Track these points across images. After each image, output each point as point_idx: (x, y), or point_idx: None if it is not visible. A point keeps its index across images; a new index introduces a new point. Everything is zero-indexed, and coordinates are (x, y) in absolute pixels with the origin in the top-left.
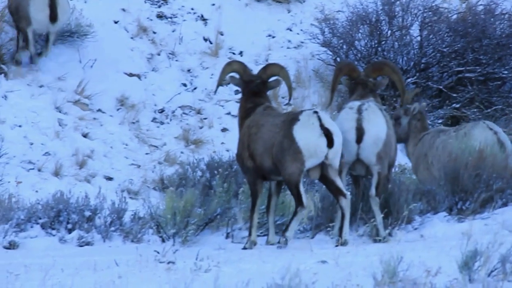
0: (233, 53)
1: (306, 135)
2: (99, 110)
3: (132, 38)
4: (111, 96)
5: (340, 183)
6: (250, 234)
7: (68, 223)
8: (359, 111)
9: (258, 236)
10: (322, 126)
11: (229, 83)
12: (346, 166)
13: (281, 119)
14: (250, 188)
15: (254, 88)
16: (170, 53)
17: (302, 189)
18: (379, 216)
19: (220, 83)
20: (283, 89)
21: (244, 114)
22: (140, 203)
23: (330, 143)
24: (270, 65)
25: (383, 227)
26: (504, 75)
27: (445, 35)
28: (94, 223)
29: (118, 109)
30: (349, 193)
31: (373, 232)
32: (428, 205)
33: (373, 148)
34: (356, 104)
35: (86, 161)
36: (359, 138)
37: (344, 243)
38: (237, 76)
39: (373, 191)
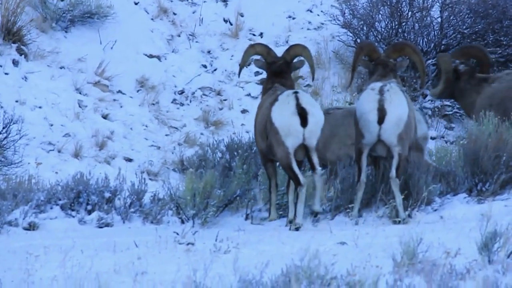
0: (253, 35)
1: (280, 114)
2: (119, 91)
3: (152, 19)
4: (131, 78)
5: (316, 159)
6: (269, 214)
7: (87, 204)
8: (381, 92)
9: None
10: (298, 105)
11: (249, 65)
12: (367, 147)
13: (269, 100)
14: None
15: (277, 69)
16: (190, 35)
17: (296, 169)
18: (399, 198)
19: (243, 66)
20: (302, 69)
21: (263, 95)
22: (160, 185)
23: (304, 122)
24: (293, 46)
25: (403, 209)
26: None
27: (466, 16)
28: (113, 205)
29: (138, 91)
30: (320, 168)
31: (393, 214)
32: (447, 186)
33: (395, 129)
34: (377, 85)
35: (106, 143)
36: (381, 119)
37: (315, 215)
38: (261, 58)
39: (393, 172)
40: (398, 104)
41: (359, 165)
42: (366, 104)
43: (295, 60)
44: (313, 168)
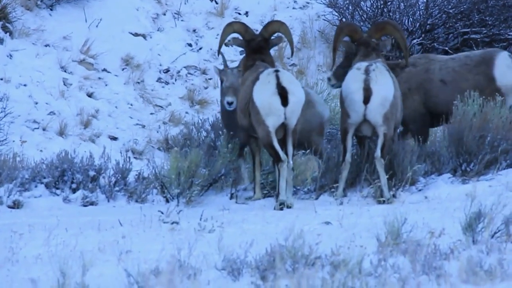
0: (239, 13)
1: (261, 94)
2: (104, 69)
3: None
4: (116, 56)
5: (290, 148)
6: (254, 192)
7: (72, 182)
8: (367, 71)
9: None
10: (279, 85)
11: (232, 45)
12: (352, 126)
13: (251, 78)
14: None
15: (255, 46)
16: (175, 13)
17: (277, 146)
18: (383, 178)
19: (221, 45)
20: (287, 50)
21: (244, 72)
22: (145, 163)
23: (285, 102)
24: (271, 22)
25: (387, 189)
26: (510, 37)
27: None
28: (98, 183)
29: (123, 69)
30: (289, 160)
31: (377, 194)
32: (432, 166)
33: (380, 109)
34: (363, 64)
35: (91, 121)
36: (367, 99)
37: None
38: (239, 37)
39: (378, 152)
40: (383, 84)
41: (344, 144)
42: (352, 83)
43: (273, 37)
44: (285, 155)
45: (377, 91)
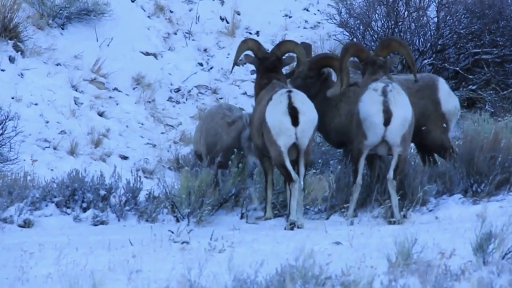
0: (250, 33)
1: (272, 113)
2: (115, 89)
3: (149, 17)
4: (127, 75)
5: (302, 168)
6: (265, 212)
7: (83, 202)
8: (384, 92)
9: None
10: (290, 105)
11: (245, 63)
12: (367, 148)
13: (266, 98)
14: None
15: (269, 65)
16: (186, 32)
17: (289, 166)
18: (395, 199)
19: (236, 62)
20: None
21: (259, 91)
22: (155, 183)
23: (295, 122)
24: (284, 41)
25: (398, 210)
26: None
27: (462, 17)
28: (109, 202)
29: (134, 88)
30: (301, 181)
31: (388, 214)
32: (443, 187)
33: (400, 130)
34: (380, 85)
35: (102, 140)
36: (387, 121)
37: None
38: (251, 54)
39: (391, 174)
40: (402, 104)
41: (357, 166)
42: (371, 105)
43: (285, 56)
44: (297, 174)
45: (397, 112)
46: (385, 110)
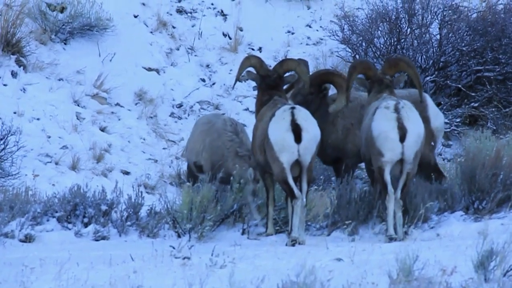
0: (252, 49)
1: (275, 130)
2: (117, 104)
3: (151, 32)
4: (129, 90)
5: (305, 185)
6: (267, 228)
7: (84, 217)
8: (397, 109)
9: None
10: (293, 121)
11: (247, 79)
12: (388, 165)
13: (269, 114)
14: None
15: (270, 82)
16: (189, 48)
17: (292, 183)
18: (399, 219)
19: (238, 78)
20: None
21: (260, 107)
22: (157, 198)
23: (298, 139)
24: (287, 60)
25: (402, 228)
26: None
27: (465, 34)
28: (110, 218)
29: (136, 104)
30: (303, 198)
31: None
32: (444, 204)
33: (414, 147)
34: (391, 103)
35: (103, 155)
36: (402, 137)
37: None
38: (253, 70)
39: (398, 193)
40: (415, 121)
41: (383, 181)
42: (385, 122)
43: (286, 74)
44: (300, 191)
45: (411, 129)
46: (400, 126)
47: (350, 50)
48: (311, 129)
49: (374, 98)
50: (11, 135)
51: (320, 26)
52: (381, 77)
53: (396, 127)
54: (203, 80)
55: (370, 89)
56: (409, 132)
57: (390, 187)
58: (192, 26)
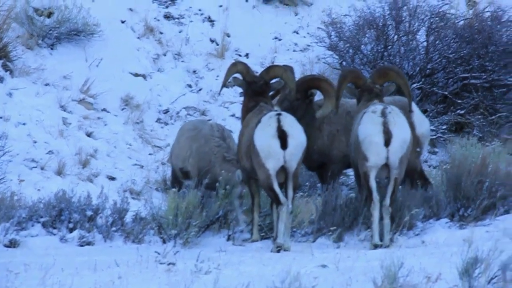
0: (239, 55)
1: (261, 136)
2: (103, 109)
3: (138, 38)
4: (116, 96)
5: (291, 191)
6: (252, 234)
7: (69, 222)
8: (384, 114)
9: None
10: (279, 128)
11: (234, 85)
12: (373, 170)
13: (255, 121)
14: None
15: (257, 88)
16: (176, 54)
17: (277, 189)
18: (388, 226)
19: (225, 84)
20: None
21: (246, 114)
22: (142, 204)
23: (284, 145)
24: (273, 66)
25: (389, 234)
26: (509, 82)
27: (451, 41)
28: (95, 223)
29: (122, 109)
30: (289, 204)
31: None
32: (430, 211)
33: (399, 152)
34: (378, 107)
35: (89, 161)
36: (387, 142)
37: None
38: (240, 77)
39: (387, 201)
40: (402, 126)
41: (369, 186)
42: (370, 126)
43: (273, 81)
44: (285, 197)
45: (397, 134)
46: (385, 131)
47: (337, 57)
48: (297, 136)
49: (363, 107)
50: None
51: (308, 33)
52: (371, 86)
53: (381, 131)
54: (190, 86)
55: (359, 98)
56: (394, 137)
57: (375, 194)
58: (179, 32)
